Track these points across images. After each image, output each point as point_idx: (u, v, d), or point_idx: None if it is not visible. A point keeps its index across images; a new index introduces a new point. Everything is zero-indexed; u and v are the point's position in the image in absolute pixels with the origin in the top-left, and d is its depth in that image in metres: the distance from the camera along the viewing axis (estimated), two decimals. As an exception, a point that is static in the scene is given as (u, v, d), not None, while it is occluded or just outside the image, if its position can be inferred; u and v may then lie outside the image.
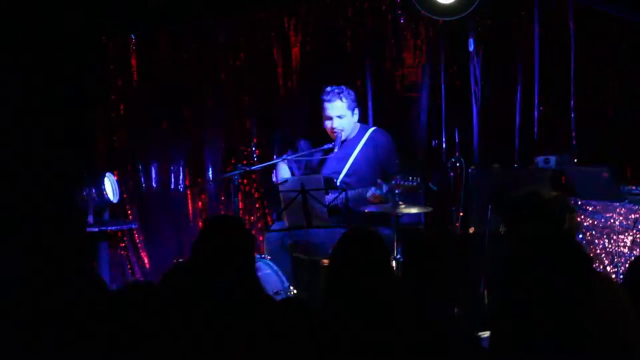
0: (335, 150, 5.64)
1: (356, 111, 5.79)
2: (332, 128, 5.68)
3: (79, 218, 3.39)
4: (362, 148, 5.72)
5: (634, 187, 5.20)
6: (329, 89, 5.77)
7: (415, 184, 5.14)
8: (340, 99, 5.69)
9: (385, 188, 5.25)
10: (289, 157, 5.82)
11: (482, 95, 6.42)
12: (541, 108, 6.31)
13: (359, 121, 5.88)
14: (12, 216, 5.76)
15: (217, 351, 3.05)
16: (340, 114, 5.68)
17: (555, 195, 3.16)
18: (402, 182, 5.14)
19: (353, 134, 5.78)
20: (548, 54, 6.28)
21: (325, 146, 5.70)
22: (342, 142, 5.72)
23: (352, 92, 5.79)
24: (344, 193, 5.49)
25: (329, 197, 5.46)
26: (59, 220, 3.13)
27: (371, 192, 5.39)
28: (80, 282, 2.95)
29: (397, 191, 5.13)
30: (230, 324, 3.07)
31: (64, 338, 2.71)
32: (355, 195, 5.50)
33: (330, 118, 5.70)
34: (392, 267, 3.25)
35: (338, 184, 5.70)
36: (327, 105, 5.71)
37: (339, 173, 5.68)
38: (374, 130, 5.81)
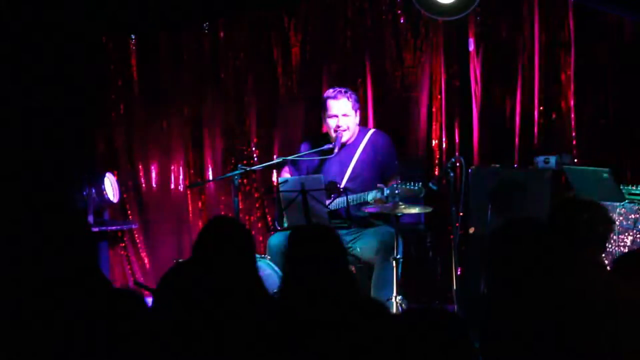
0: (336, 150, 5.62)
1: (358, 113, 5.78)
2: (338, 126, 5.64)
3: (80, 218, 3.40)
4: (362, 151, 5.68)
5: (634, 187, 5.19)
6: (334, 88, 5.76)
7: (416, 188, 5.14)
8: (347, 98, 5.67)
9: (386, 192, 5.25)
10: (288, 158, 5.80)
11: (482, 95, 6.42)
12: (541, 108, 6.31)
13: (358, 124, 5.85)
14: (12, 216, 5.75)
15: (218, 351, 3.05)
16: (346, 112, 5.66)
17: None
18: (403, 187, 5.14)
19: (353, 137, 5.76)
20: (548, 54, 6.28)
21: (325, 147, 5.69)
22: (343, 145, 5.69)
23: (354, 94, 5.79)
24: (344, 197, 5.48)
25: (329, 201, 5.45)
26: (60, 220, 3.13)
27: (372, 195, 5.38)
28: (84, 282, 2.95)
29: (397, 191, 5.14)
30: (231, 323, 3.07)
31: (67, 338, 2.71)
32: (356, 200, 5.49)
33: (336, 116, 5.67)
34: (348, 262, 3.25)
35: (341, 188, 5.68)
36: (332, 103, 5.67)
37: (341, 177, 5.66)
38: (373, 133, 5.79)
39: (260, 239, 6.75)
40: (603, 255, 5.07)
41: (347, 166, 5.67)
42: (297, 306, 3.05)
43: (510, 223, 3.08)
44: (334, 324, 2.87)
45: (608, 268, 4.98)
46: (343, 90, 5.71)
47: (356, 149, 5.70)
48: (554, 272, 2.92)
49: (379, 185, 5.36)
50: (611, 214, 5.03)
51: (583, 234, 3.04)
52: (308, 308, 3.02)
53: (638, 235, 5.03)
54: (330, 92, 5.73)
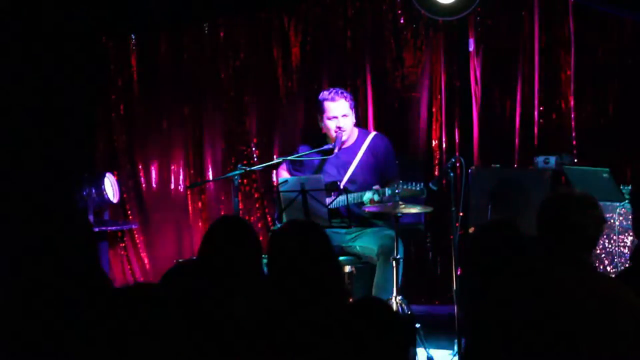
0: (336, 151, 5.63)
1: (354, 112, 5.77)
2: (339, 127, 5.64)
3: (80, 217, 3.42)
4: (363, 155, 5.67)
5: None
6: (328, 90, 5.74)
7: (418, 189, 5.15)
8: (344, 98, 5.67)
9: (388, 192, 5.24)
10: (288, 158, 5.80)
11: (482, 95, 6.42)
12: (541, 108, 6.31)
13: (356, 125, 5.84)
14: (12, 216, 5.76)
15: (218, 351, 3.05)
16: (345, 113, 5.66)
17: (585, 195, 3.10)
18: (405, 187, 5.14)
19: (352, 139, 5.75)
20: (548, 54, 6.29)
21: (325, 147, 5.69)
22: (341, 146, 5.68)
23: (349, 93, 5.78)
24: (344, 196, 5.48)
25: (329, 200, 5.46)
26: (60, 220, 3.14)
27: (367, 197, 5.38)
28: (85, 280, 2.95)
29: (397, 191, 5.14)
30: (232, 324, 3.07)
31: (69, 335, 2.71)
32: (355, 198, 5.49)
33: (336, 117, 5.66)
34: (334, 258, 3.23)
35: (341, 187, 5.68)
36: (330, 105, 5.66)
37: (341, 181, 5.65)
38: (374, 136, 5.77)
39: (261, 238, 6.73)
40: (603, 255, 5.09)
41: (347, 169, 5.66)
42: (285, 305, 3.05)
43: (488, 226, 3.10)
44: (323, 325, 2.88)
45: (604, 270, 5.01)
46: (339, 91, 5.70)
47: (357, 152, 5.69)
48: (533, 273, 2.93)
49: (374, 187, 5.36)
50: (610, 214, 5.05)
51: (571, 233, 3.00)
52: (297, 307, 3.02)
53: (638, 236, 5.03)
54: (326, 94, 5.71)
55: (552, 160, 5.74)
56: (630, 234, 5.06)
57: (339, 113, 5.65)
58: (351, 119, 5.70)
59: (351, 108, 5.70)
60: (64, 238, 3.10)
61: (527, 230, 5.53)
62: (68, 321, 2.75)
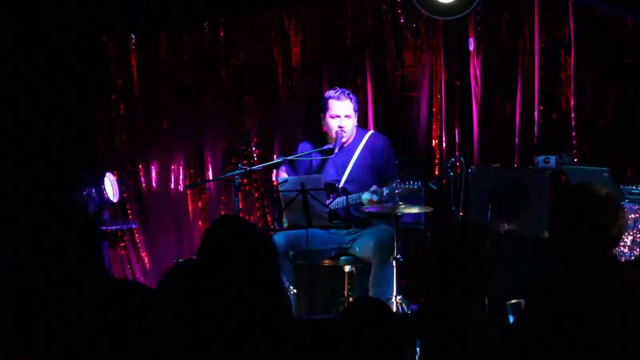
0: (336, 151, 5.62)
1: (357, 114, 5.78)
2: (340, 127, 5.64)
3: (83, 216, 3.41)
4: (360, 154, 5.68)
5: (634, 187, 5.19)
6: (335, 89, 5.76)
7: (416, 187, 5.15)
8: (350, 99, 5.68)
9: (386, 191, 5.25)
10: (288, 158, 5.81)
11: (482, 95, 6.42)
12: (541, 108, 6.31)
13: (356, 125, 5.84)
14: (12, 216, 5.76)
15: (217, 351, 3.05)
16: (349, 113, 5.67)
17: (610, 192, 2.95)
18: (403, 186, 5.14)
19: (352, 139, 5.76)
20: (548, 54, 6.29)
21: (325, 147, 5.69)
22: (342, 145, 5.68)
23: (355, 95, 5.80)
24: (343, 197, 5.48)
25: (328, 201, 5.46)
26: (62, 219, 3.14)
27: (365, 197, 5.38)
28: (86, 280, 2.94)
29: (397, 191, 5.14)
30: (232, 322, 3.07)
31: (70, 333, 2.71)
32: (354, 199, 5.49)
33: (338, 116, 5.66)
34: (272, 263, 3.25)
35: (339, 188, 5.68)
36: (335, 103, 5.67)
37: (339, 181, 5.66)
38: (371, 135, 5.78)
39: (261, 238, 6.73)
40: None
41: (345, 169, 5.66)
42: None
43: (455, 226, 3.09)
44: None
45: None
46: (346, 91, 5.72)
47: (354, 152, 5.69)
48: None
49: (372, 189, 5.36)
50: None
51: (596, 232, 2.89)
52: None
53: (638, 235, 5.03)
54: (332, 92, 5.72)
55: (552, 160, 5.74)
56: (631, 233, 5.06)
57: (342, 113, 5.65)
58: (353, 121, 5.71)
59: (355, 110, 5.71)
60: (66, 237, 3.09)
61: (527, 230, 5.56)
62: (69, 321, 2.75)
